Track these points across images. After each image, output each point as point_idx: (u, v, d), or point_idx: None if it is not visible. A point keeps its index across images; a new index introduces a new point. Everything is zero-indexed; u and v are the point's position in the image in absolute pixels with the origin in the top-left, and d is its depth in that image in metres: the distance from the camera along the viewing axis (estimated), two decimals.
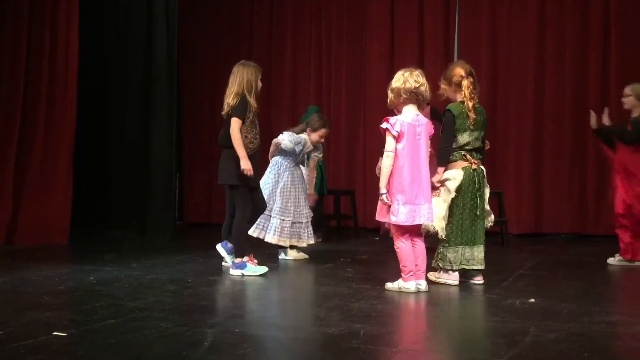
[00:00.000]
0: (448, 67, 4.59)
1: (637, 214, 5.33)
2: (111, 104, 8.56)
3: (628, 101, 5.54)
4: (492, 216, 4.63)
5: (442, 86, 4.51)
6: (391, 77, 7.60)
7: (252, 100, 4.80)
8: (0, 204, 6.58)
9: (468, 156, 4.38)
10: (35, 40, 6.86)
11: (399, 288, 4.15)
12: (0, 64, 6.70)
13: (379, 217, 4.17)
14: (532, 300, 3.84)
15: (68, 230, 6.89)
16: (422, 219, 4.07)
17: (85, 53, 7.44)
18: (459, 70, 4.43)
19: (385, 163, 4.05)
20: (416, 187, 4.04)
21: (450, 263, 4.37)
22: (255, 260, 4.85)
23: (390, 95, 4.16)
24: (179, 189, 9.56)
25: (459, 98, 4.44)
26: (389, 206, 4.07)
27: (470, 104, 4.35)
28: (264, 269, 4.83)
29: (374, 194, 8.29)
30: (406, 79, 4.08)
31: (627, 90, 5.59)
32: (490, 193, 7.50)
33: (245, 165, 4.70)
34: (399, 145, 4.04)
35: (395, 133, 4.02)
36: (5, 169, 6.64)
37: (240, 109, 4.76)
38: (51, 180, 6.89)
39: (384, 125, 4.08)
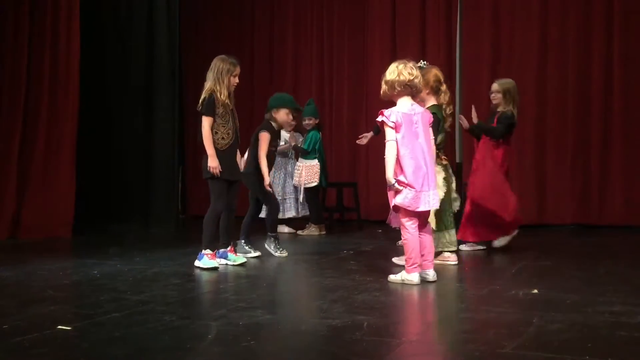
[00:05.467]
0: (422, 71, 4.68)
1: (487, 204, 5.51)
2: (114, 97, 8.56)
3: (496, 97, 5.70)
4: (458, 202, 5.21)
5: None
6: None
7: (220, 96, 4.84)
8: (4, 198, 6.60)
9: (440, 154, 4.85)
10: (37, 35, 6.87)
11: (402, 280, 4.15)
12: (2, 58, 6.70)
13: (392, 205, 4.22)
14: (535, 291, 3.84)
15: (71, 223, 6.91)
16: (427, 206, 4.11)
17: (87, 48, 7.44)
18: (438, 75, 4.79)
19: (388, 153, 4.08)
20: (420, 175, 4.07)
21: (450, 244, 4.88)
22: (214, 253, 4.87)
23: (384, 87, 4.20)
24: (182, 181, 9.58)
25: (430, 102, 4.77)
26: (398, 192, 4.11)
27: (449, 110, 4.78)
28: (214, 264, 4.79)
29: (376, 186, 8.33)
30: (400, 71, 4.12)
31: (495, 86, 5.75)
32: None
33: (211, 162, 4.79)
34: (398, 136, 4.08)
35: (391, 124, 4.07)
36: (9, 163, 6.66)
37: (207, 106, 4.83)
38: (54, 174, 6.91)
39: (379, 118, 4.13)
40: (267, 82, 9.28)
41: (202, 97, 4.87)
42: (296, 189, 7.38)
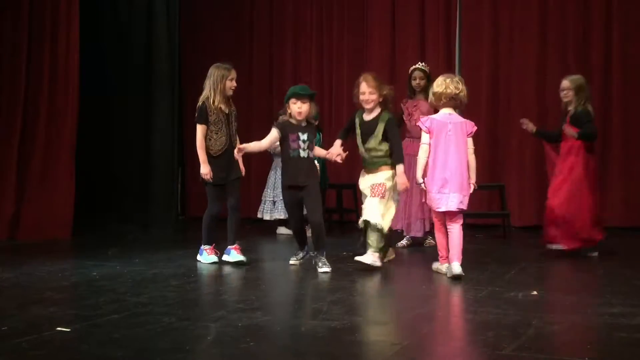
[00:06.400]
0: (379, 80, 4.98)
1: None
2: (114, 98, 8.57)
3: (568, 95, 5.48)
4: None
5: (375, 97, 4.85)
6: (392, 67, 7.71)
7: (213, 103, 5.02)
8: (3, 199, 6.59)
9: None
10: (36, 36, 6.85)
11: (436, 269, 4.62)
12: (1, 59, 6.70)
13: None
14: (535, 292, 3.84)
15: (71, 225, 6.90)
16: (444, 207, 4.46)
17: (86, 50, 7.43)
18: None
19: (420, 155, 4.59)
20: (439, 178, 4.47)
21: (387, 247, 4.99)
22: (216, 250, 5.16)
23: (431, 97, 4.67)
24: (181, 183, 9.57)
25: (377, 111, 4.92)
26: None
27: None
28: (213, 259, 5.10)
29: None
30: (447, 85, 4.54)
31: (566, 83, 5.51)
32: (493, 185, 7.63)
33: (202, 169, 5.00)
34: (431, 140, 4.55)
35: (425, 129, 4.56)
36: (8, 164, 6.64)
37: (199, 115, 5.03)
38: (53, 175, 6.90)
39: (418, 123, 4.72)
40: (267, 84, 9.28)
41: (198, 104, 5.08)
42: None
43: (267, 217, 7.32)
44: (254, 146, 4.91)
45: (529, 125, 5.73)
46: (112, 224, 7.78)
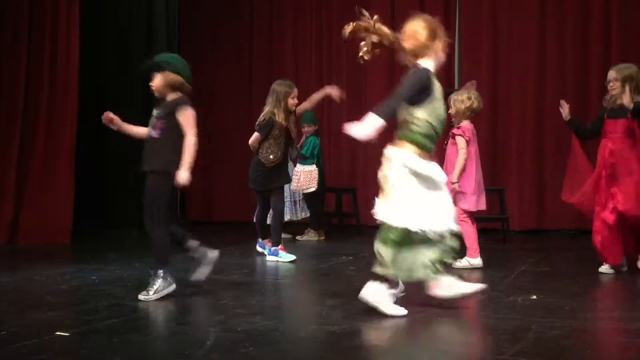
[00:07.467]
0: None
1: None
2: (112, 101, 8.54)
3: (615, 86, 4.82)
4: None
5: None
6: (392, 71, 7.70)
7: (278, 119, 5.39)
8: (2, 203, 6.58)
9: None
10: (36, 38, 6.86)
11: (471, 265, 4.99)
12: (1, 60, 6.69)
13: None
14: (534, 296, 3.84)
15: (70, 229, 6.89)
16: (483, 206, 5.15)
17: (86, 51, 7.42)
18: None
19: (460, 160, 5.02)
20: (479, 181, 5.11)
21: None
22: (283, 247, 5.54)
23: (461, 108, 5.11)
24: None
25: None
26: (457, 194, 4.97)
27: None
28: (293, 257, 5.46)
29: (375, 191, 8.30)
30: (473, 99, 5.12)
31: (613, 74, 4.85)
32: (492, 189, 7.64)
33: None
34: (469, 148, 5.06)
35: (467, 138, 5.05)
36: (7, 168, 6.64)
37: (263, 126, 5.43)
38: (53, 178, 6.89)
39: (457, 131, 5.09)
40: (267, 84, 9.21)
41: (262, 118, 5.45)
42: (293, 193, 7.38)
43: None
44: (132, 128, 4.42)
45: (565, 111, 5.27)
46: (112, 228, 7.77)
